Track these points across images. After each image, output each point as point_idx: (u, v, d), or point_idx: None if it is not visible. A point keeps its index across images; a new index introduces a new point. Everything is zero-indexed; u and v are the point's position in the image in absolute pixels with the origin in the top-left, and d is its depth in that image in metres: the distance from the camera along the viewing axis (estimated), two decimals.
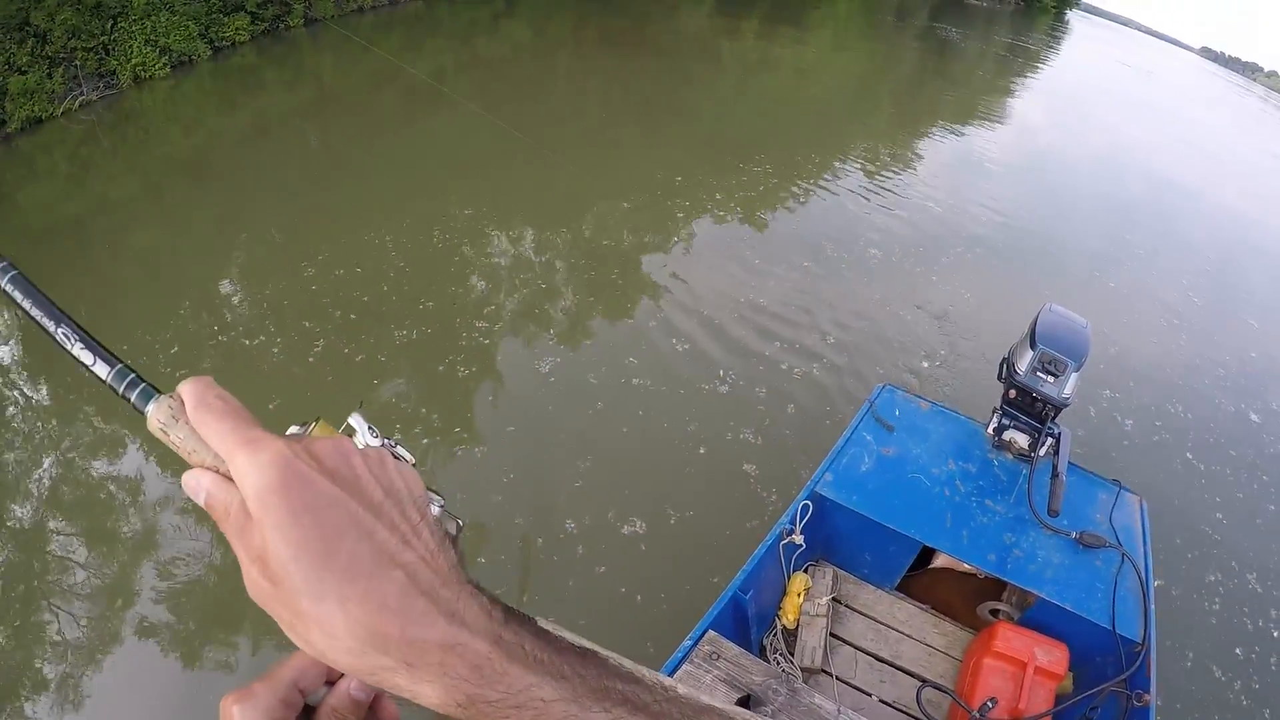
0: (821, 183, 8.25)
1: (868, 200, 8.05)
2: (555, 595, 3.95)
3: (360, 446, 0.45)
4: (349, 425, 0.57)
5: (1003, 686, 2.57)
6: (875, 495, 2.98)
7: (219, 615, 4.62)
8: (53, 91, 12.26)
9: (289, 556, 0.38)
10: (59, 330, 0.60)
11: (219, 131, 11.59)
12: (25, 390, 7.27)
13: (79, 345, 0.59)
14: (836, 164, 8.67)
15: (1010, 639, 2.63)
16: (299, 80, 13.38)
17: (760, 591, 2.79)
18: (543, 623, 0.45)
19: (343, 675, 0.48)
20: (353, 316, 6.06)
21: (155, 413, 0.50)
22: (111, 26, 13.35)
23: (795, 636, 2.99)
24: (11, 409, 6.90)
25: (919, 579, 3.22)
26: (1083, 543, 2.90)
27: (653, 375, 5.40)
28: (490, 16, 16.24)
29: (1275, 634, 4.28)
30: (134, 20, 13.41)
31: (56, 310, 0.61)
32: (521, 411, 5.21)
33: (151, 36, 13.42)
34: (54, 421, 6.69)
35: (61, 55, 13.07)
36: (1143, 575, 2.82)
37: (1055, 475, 2.97)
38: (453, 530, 0.50)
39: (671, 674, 2.36)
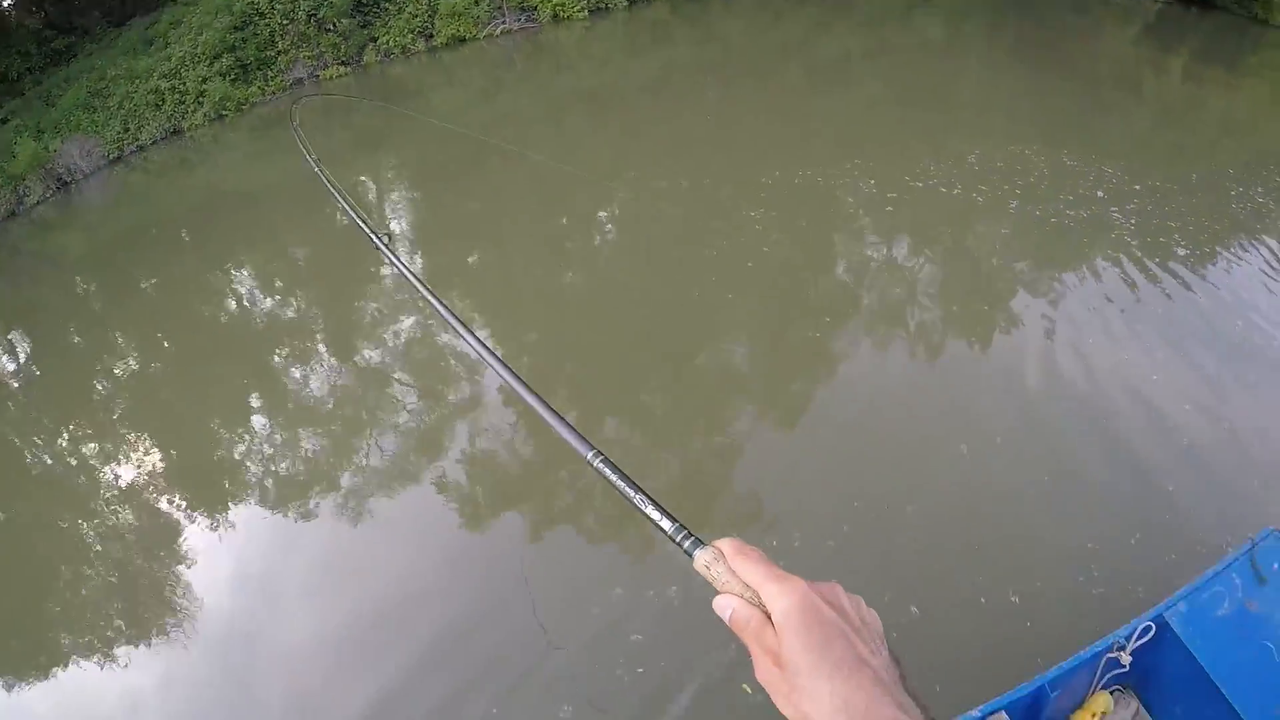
0: (1222, 258, 6.88)
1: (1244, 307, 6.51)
2: None
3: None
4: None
5: None
6: (1221, 648, 2.58)
7: (505, 491, 5.19)
8: (478, 17, 14.27)
9: (800, 650, 0.60)
10: (636, 496, 0.84)
11: (626, 72, 12.63)
12: (402, 257, 8.65)
13: (650, 507, 0.82)
14: (1247, 240, 7.19)
15: None
16: (707, 39, 14.04)
17: (1062, 695, 2.58)
18: None
19: None
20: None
21: (701, 556, 0.71)
22: None
23: None
24: (386, 270, 8.27)
25: None
26: None
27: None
28: (904, 5, 15.73)
29: None
30: None
31: (634, 484, 0.86)
32: None
33: None
34: (414, 294, 7.86)
35: None
36: None
37: None
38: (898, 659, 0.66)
39: None
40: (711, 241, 7.31)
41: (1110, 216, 7.30)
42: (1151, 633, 2.59)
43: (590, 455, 0.94)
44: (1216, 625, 2.65)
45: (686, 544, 0.75)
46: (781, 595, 0.63)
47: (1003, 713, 2.35)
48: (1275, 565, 2.85)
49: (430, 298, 1.68)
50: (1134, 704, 2.82)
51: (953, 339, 6.01)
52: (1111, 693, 2.79)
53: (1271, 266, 6.53)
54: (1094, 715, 2.70)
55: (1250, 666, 2.56)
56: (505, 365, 1.29)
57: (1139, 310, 6.00)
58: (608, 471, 0.90)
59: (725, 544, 0.71)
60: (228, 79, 14.26)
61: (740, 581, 0.67)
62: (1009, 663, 3.36)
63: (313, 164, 3.25)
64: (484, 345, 1.42)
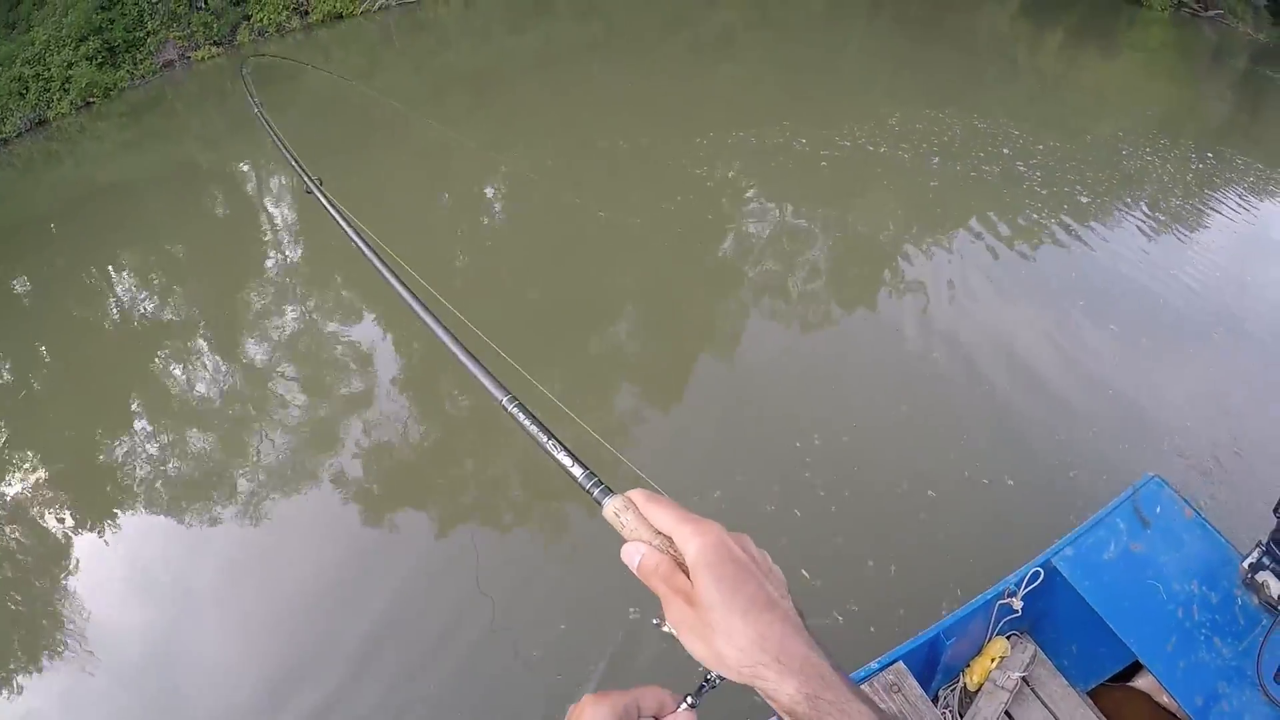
0: (1092, 224, 7.49)
1: (1131, 256, 7.07)
2: None
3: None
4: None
5: None
6: (1108, 589, 2.68)
7: (402, 483, 5.06)
8: None
9: (713, 587, 0.60)
10: (549, 442, 0.83)
11: (505, 50, 12.37)
12: (286, 249, 8.22)
13: (562, 453, 0.80)
14: (1117, 209, 7.83)
15: None
16: (589, 14, 13.93)
17: (958, 642, 2.63)
18: None
19: (671, 713, 0.67)
20: None
21: (610, 504, 0.69)
22: None
23: (972, 700, 2.80)
24: (271, 263, 7.91)
25: (1113, 693, 2.89)
26: None
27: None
28: None
29: None
30: None
31: (547, 430, 0.85)
32: None
33: None
34: (304, 280, 7.55)
35: None
36: None
37: None
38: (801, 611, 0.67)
39: None
40: (668, 196, 7.70)
41: (1017, 170, 8.29)
42: (1040, 578, 2.66)
43: (505, 400, 0.93)
44: (1103, 568, 2.74)
45: (596, 492, 0.73)
46: (696, 535, 0.63)
47: (900, 663, 2.37)
48: (1157, 509, 2.97)
49: (362, 245, 1.65)
50: (1030, 647, 2.90)
51: (920, 276, 6.69)
52: (1008, 637, 2.86)
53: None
54: (992, 659, 2.77)
55: (1139, 605, 2.66)
56: (429, 311, 1.26)
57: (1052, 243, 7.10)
58: (521, 416, 0.89)
59: (636, 493, 0.70)
60: (94, 63, 13.16)
61: (649, 529, 0.67)
62: (1019, 532, 4.01)
63: (255, 108, 3.36)
64: (410, 291, 1.39)
